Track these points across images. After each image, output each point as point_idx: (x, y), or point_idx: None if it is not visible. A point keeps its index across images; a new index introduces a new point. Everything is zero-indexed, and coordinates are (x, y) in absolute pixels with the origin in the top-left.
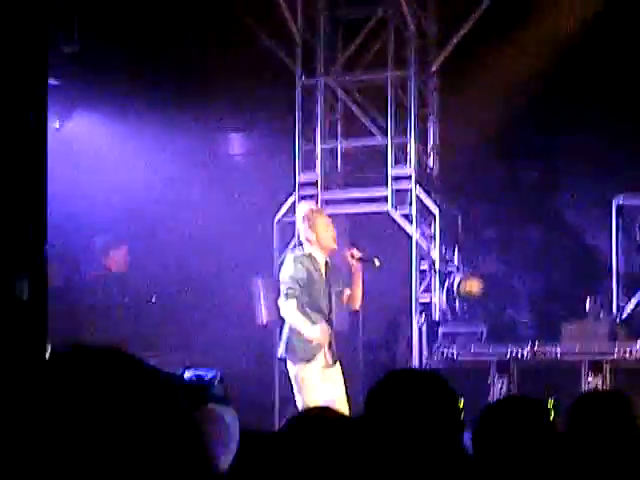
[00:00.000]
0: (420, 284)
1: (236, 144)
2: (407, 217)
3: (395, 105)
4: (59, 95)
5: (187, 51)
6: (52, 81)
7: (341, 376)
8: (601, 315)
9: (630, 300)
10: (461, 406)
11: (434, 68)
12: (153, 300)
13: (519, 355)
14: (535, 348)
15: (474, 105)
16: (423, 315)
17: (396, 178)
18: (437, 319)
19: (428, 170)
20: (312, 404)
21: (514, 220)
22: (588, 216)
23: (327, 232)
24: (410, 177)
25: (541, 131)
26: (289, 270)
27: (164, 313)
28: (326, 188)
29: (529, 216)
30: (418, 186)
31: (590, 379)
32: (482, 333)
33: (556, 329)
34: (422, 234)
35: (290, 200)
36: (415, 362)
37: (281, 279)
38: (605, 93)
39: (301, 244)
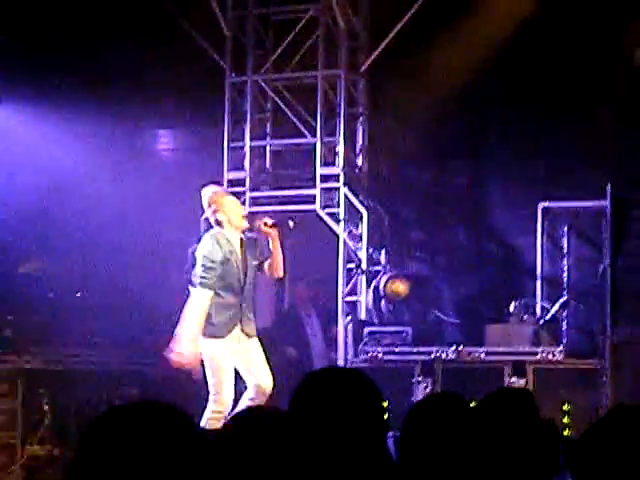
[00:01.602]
0: (347, 284)
1: (164, 140)
2: (335, 217)
3: (325, 105)
4: None
5: (117, 46)
6: None
7: (258, 349)
8: (525, 318)
9: (553, 303)
10: (385, 406)
11: (363, 68)
12: (78, 294)
13: (443, 356)
14: (459, 349)
15: (403, 105)
16: (349, 315)
17: (325, 178)
18: (363, 319)
19: (357, 170)
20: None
21: (441, 222)
22: (514, 219)
23: (236, 211)
24: (338, 177)
25: (470, 132)
26: (206, 248)
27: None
28: (254, 187)
29: (456, 218)
30: (346, 186)
31: (513, 380)
32: (407, 334)
33: (480, 331)
34: (350, 234)
35: None
36: (340, 361)
37: (197, 258)
38: (536, 94)
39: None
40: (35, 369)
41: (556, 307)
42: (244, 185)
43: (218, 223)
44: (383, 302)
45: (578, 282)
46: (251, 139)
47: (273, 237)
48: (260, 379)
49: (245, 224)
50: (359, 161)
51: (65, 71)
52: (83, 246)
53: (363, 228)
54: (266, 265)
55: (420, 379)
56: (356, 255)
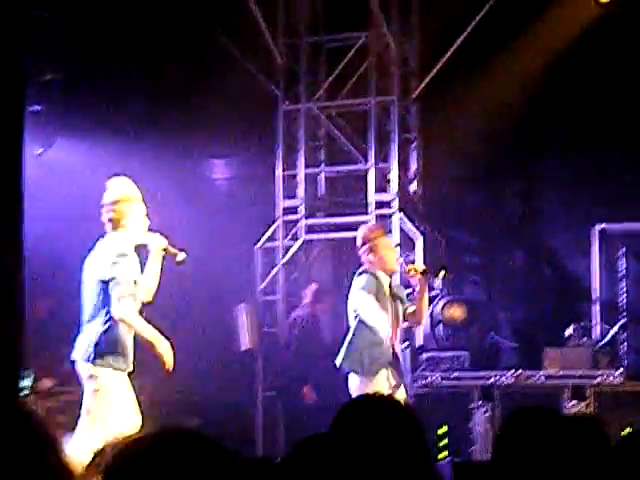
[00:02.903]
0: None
1: (219, 170)
2: None
3: (377, 131)
4: (41, 121)
5: (171, 78)
6: (35, 107)
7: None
8: (583, 341)
9: (612, 327)
10: (443, 432)
11: (416, 93)
12: None
13: (502, 380)
14: (518, 374)
15: (457, 131)
16: (406, 341)
17: (379, 204)
18: (420, 344)
19: (410, 196)
20: None
21: (497, 246)
22: (570, 242)
23: (390, 254)
24: (391, 203)
25: (524, 157)
26: (359, 285)
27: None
28: (309, 215)
29: (512, 242)
30: (401, 212)
31: (572, 403)
32: (465, 358)
33: (538, 355)
34: (405, 259)
35: (273, 226)
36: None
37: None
38: (590, 118)
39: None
40: None
41: (615, 329)
42: (298, 212)
43: (369, 262)
44: (440, 327)
45: (636, 304)
46: (305, 166)
47: (422, 284)
48: None
49: (398, 268)
50: (412, 186)
51: (121, 106)
52: None
53: (417, 253)
54: (409, 311)
55: (479, 404)
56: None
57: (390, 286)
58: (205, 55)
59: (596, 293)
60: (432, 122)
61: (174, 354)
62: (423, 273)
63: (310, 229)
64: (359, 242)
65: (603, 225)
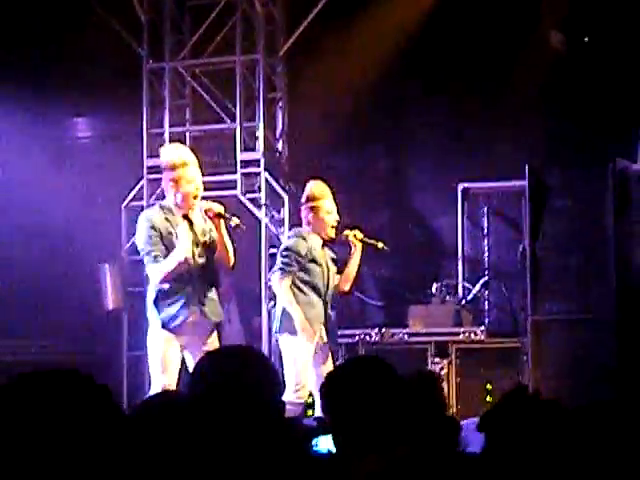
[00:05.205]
0: (270, 269)
1: (82, 128)
2: (256, 202)
3: (244, 90)
4: None
5: (30, 32)
6: None
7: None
8: (447, 299)
9: (475, 284)
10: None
11: (281, 52)
12: None
13: (367, 339)
14: (383, 331)
15: (322, 90)
16: (272, 300)
17: (245, 163)
18: None
19: (277, 155)
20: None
21: (362, 205)
22: (435, 201)
23: (330, 218)
24: (259, 162)
25: (388, 116)
26: (290, 242)
27: (8, 298)
28: None
29: (378, 201)
30: (267, 171)
31: (436, 360)
32: (331, 317)
33: (404, 313)
34: (271, 219)
35: (138, 185)
36: (264, 346)
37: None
38: (451, 79)
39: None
40: None
41: (477, 287)
42: None
43: (308, 222)
44: None
45: (499, 262)
46: (170, 125)
47: (358, 251)
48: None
49: (333, 235)
50: (279, 146)
51: None
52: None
53: (285, 213)
54: (337, 276)
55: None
56: (279, 240)
57: (323, 248)
58: (67, 10)
59: (460, 251)
60: (299, 81)
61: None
62: (362, 241)
63: None
64: (303, 198)
65: (466, 184)
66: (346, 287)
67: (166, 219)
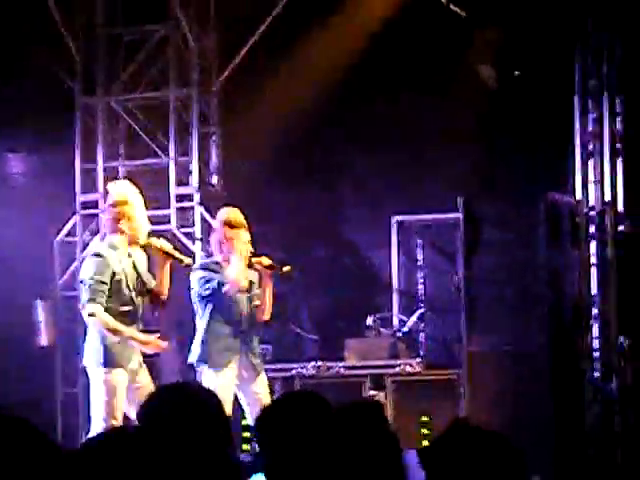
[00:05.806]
0: None
1: (15, 164)
2: (191, 236)
3: (178, 124)
4: None
5: None
6: None
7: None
8: (382, 331)
9: (410, 316)
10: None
11: (215, 87)
12: None
13: (303, 372)
14: (319, 365)
15: (257, 124)
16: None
17: (180, 197)
18: None
19: (212, 189)
20: None
21: (297, 238)
22: (369, 234)
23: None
24: (193, 197)
25: (323, 150)
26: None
27: None
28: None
29: (313, 234)
30: (202, 206)
31: (373, 393)
32: (267, 352)
33: (339, 345)
34: (207, 253)
35: (72, 221)
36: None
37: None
38: (385, 112)
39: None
40: None
41: (413, 319)
42: (97, 207)
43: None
44: None
45: (434, 294)
46: (104, 160)
47: (267, 278)
48: None
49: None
50: (214, 180)
51: None
52: None
53: None
54: (255, 303)
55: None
56: None
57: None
58: (4, 49)
59: (395, 283)
60: (233, 115)
61: None
62: (268, 267)
63: None
64: (215, 224)
65: (400, 217)
66: (265, 317)
67: (115, 256)
